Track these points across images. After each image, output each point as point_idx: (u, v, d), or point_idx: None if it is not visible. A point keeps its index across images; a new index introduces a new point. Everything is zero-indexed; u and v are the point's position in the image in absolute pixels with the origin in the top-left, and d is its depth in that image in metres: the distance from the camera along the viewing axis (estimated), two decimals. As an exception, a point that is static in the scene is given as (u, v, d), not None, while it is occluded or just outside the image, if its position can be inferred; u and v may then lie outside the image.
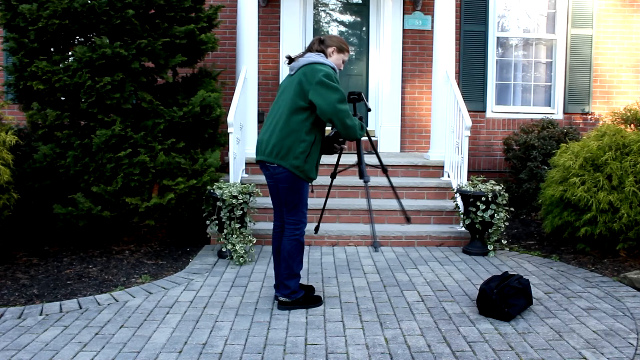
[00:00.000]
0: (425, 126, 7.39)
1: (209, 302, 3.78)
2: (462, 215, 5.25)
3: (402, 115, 7.42)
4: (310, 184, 3.61)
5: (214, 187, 4.86)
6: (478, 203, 4.95)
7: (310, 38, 7.41)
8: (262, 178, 5.76)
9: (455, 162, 5.75)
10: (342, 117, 3.39)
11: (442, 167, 6.17)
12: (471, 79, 7.43)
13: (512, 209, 5.88)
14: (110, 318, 3.49)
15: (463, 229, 5.40)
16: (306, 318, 3.51)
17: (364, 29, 7.55)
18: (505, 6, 7.61)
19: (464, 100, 6.15)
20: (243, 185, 4.84)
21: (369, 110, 3.79)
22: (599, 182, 4.69)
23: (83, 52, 4.64)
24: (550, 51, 7.67)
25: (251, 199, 4.85)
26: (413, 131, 7.48)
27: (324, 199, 4.35)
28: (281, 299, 3.64)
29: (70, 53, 4.97)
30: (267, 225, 5.30)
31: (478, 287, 4.02)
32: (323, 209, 4.27)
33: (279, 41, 7.28)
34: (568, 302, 3.84)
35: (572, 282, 4.29)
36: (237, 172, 5.42)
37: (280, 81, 7.26)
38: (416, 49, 7.42)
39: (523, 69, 7.70)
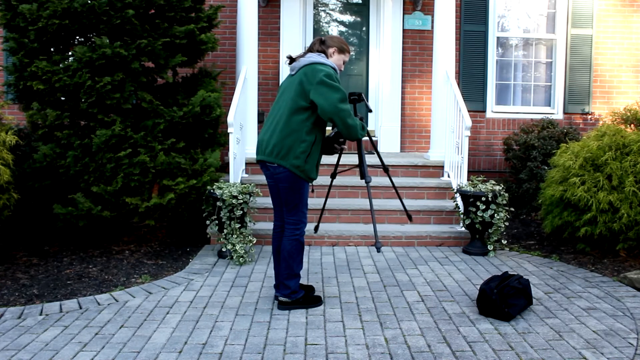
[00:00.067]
0: (425, 126, 7.39)
1: (209, 302, 3.78)
2: (462, 215, 5.25)
3: (402, 115, 7.43)
4: (310, 184, 3.62)
5: (214, 187, 4.86)
6: (478, 203, 4.95)
7: (310, 38, 7.41)
8: (262, 178, 5.76)
9: (455, 162, 5.75)
10: (344, 116, 3.39)
11: (442, 167, 6.17)
12: (471, 79, 7.43)
13: (512, 209, 5.88)
14: (110, 318, 3.49)
15: (463, 229, 5.40)
16: (306, 318, 3.51)
17: (364, 29, 7.55)
18: (505, 6, 7.61)
19: (464, 100, 6.16)
20: (243, 185, 4.84)
21: (370, 111, 3.80)
22: (599, 182, 4.69)
23: (83, 52, 4.64)
24: (550, 51, 7.67)
25: (251, 199, 4.85)
26: (413, 131, 7.48)
27: (324, 199, 4.35)
28: (281, 299, 3.64)
29: (70, 53, 4.97)
30: (267, 225, 5.30)
31: (478, 287, 4.02)
32: (323, 209, 4.27)
33: (279, 41, 7.28)
34: (568, 302, 3.84)
35: (572, 282, 4.29)
36: (237, 172, 5.42)
37: (281, 81, 7.28)
38: (416, 49, 7.42)
39: (523, 69, 7.70)
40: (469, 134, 5.54)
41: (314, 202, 5.28)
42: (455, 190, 5.41)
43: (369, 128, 7.46)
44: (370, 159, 6.46)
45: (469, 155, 6.63)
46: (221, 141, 5.47)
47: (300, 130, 3.43)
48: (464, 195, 5.10)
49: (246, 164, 6.06)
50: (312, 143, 3.47)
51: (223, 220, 4.73)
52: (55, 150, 4.82)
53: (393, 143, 7.37)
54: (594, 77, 7.56)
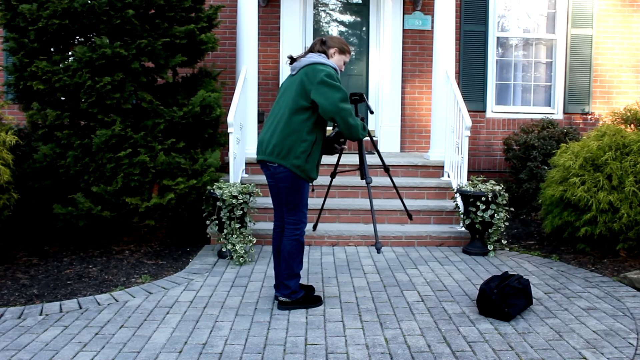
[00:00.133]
0: (425, 126, 7.39)
1: (209, 302, 3.78)
2: (462, 215, 5.25)
3: (402, 115, 7.43)
4: (310, 184, 3.62)
5: (214, 187, 4.86)
6: (478, 203, 4.95)
7: (310, 38, 7.41)
8: (262, 178, 5.76)
9: (455, 162, 5.75)
10: (345, 115, 3.39)
11: (442, 167, 6.17)
12: (471, 79, 7.43)
13: (512, 209, 5.88)
14: (110, 318, 3.49)
15: (463, 229, 5.40)
16: (306, 318, 3.51)
17: (364, 29, 7.55)
18: (505, 6, 7.61)
19: (464, 100, 6.16)
20: (243, 185, 4.84)
21: (372, 112, 3.81)
22: (599, 182, 4.69)
23: (83, 52, 4.64)
24: (550, 51, 7.67)
25: (251, 199, 4.85)
26: (413, 131, 7.49)
27: (323, 198, 4.36)
28: (281, 299, 3.64)
29: (70, 53, 4.97)
30: (267, 225, 5.30)
31: (478, 287, 4.02)
32: (322, 208, 4.28)
33: (279, 41, 7.28)
34: (568, 302, 3.84)
35: (572, 282, 4.29)
36: (237, 172, 5.42)
37: (281, 81, 7.28)
38: (416, 49, 7.42)
39: (523, 69, 7.70)
40: (469, 134, 5.54)
41: (313, 202, 5.28)
42: (455, 190, 5.41)
43: (369, 128, 7.47)
44: (371, 159, 6.46)
45: (469, 155, 6.63)
46: (221, 141, 5.47)
47: (301, 130, 3.43)
48: (464, 195, 5.10)
49: (246, 164, 6.06)
50: (313, 143, 3.48)
51: (223, 220, 4.73)
52: (55, 150, 4.82)
53: (393, 143, 7.37)
54: (594, 77, 7.56)
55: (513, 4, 7.60)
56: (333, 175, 4.05)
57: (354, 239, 5.35)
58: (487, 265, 4.74)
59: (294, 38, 7.24)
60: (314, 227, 4.41)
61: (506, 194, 5.03)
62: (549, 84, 7.68)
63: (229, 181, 5.39)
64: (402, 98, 7.42)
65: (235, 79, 6.20)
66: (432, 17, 7.22)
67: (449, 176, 6.03)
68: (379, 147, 7.33)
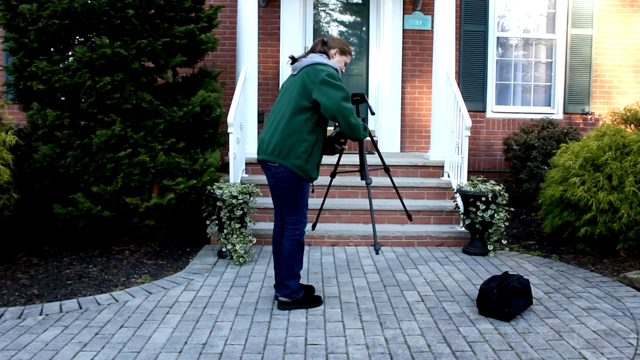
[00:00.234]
0: (425, 126, 7.39)
1: (209, 302, 3.78)
2: (462, 215, 5.25)
3: (402, 115, 7.43)
4: (311, 184, 3.62)
5: (214, 187, 4.86)
6: (478, 203, 4.95)
7: (310, 38, 7.41)
8: (262, 178, 5.76)
9: (455, 162, 5.75)
10: (346, 114, 3.39)
11: (442, 167, 6.17)
12: (471, 79, 7.43)
13: (512, 209, 5.88)
14: (110, 318, 3.49)
15: (463, 229, 5.40)
16: (306, 318, 3.51)
17: (364, 29, 7.55)
18: (505, 6, 7.61)
19: (464, 100, 6.16)
20: (243, 185, 4.84)
21: (373, 113, 3.82)
22: (599, 182, 4.69)
23: (83, 52, 4.64)
24: (550, 51, 7.67)
25: (251, 199, 4.85)
26: (413, 131, 7.49)
27: (323, 198, 4.37)
28: (281, 299, 3.64)
29: (70, 53, 4.97)
30: (267, 225, 5.30)
31: (478, 287, 4.03)
32: (321, 208, 4.28)
33: (279, 41, 7.28)
34: (568, 302, 3.84)
35: (572, 282, 4.29)
36: (237, 172, 5.42)
37: (281, 81, 7.28)
38: (416, 49, 7.42)
39: (523, 69, 7.70)
40: (469, 134, 5.54)
41: (313, 202, 5.28)
42: (455, 190, 5.41)
43: (370, 128, 7.46)
44: (371, 159, 6.47)
45: (469, 155, 6.62)
46: (221, 141, 5.47)
47: (301, 130, 3.43)
48: (464, 195, 5.10)
49: (246, 164, 6.06)
50: (314, 143, 3.48)
51: (223, 220, 4.73)
52: (55, 150, 4.82)
53: (393, 143, 7.37)
54: (594, 77, 7.56)
55: (513, 4, 7.60)
56: (333, 175, 4.05)
57: (354, 239, 5.35)
58: (487, 265, 4.74)
59: (294, 38, 7.24)
60: (313, 227, 4.41)
61: (506, 194, 5.03)
62: (549, 84, 7.68)
63: (229, 181, 5.39)
64: (402, 98, 7.42)
65: (235, 79, 6.20)
66: (432, 17, 7.22)
67: (449, 176, 6.03)
68: (379, 147, 7.33)
